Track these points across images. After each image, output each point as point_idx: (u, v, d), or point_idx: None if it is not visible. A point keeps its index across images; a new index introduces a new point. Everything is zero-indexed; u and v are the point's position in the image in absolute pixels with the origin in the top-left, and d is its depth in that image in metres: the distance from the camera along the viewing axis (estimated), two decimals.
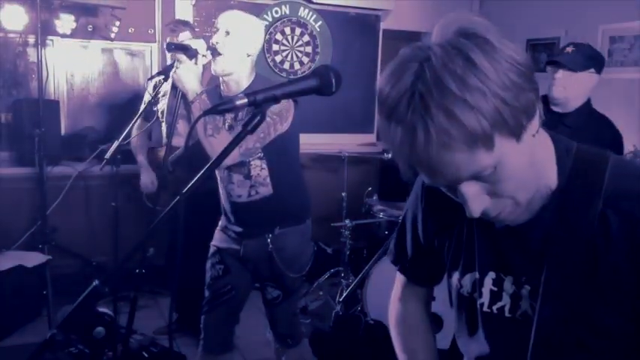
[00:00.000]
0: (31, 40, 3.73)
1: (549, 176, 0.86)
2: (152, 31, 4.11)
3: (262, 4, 4.37)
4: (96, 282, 0.98)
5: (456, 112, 0.70)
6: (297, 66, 4.54)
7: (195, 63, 1.95)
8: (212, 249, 2.32)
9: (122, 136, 2.51)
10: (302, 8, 4.47)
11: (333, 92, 1.03)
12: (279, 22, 4.43)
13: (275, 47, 4.45)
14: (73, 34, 3.80)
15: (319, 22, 4.54)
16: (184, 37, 3.05)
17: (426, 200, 1.05)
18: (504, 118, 0.72)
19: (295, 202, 2.26)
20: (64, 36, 3.78)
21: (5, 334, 3.21)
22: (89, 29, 3.88)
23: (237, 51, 2.04)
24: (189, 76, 1.93)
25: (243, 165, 2.11)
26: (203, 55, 1.97)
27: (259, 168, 2.12)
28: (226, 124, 2.10)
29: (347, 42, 4.70)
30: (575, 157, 0.87)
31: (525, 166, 0.79)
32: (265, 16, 4.39)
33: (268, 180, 2.14)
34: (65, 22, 3.67)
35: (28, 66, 3.82)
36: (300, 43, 4.52)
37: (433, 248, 1.07)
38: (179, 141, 2.49)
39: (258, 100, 0.97)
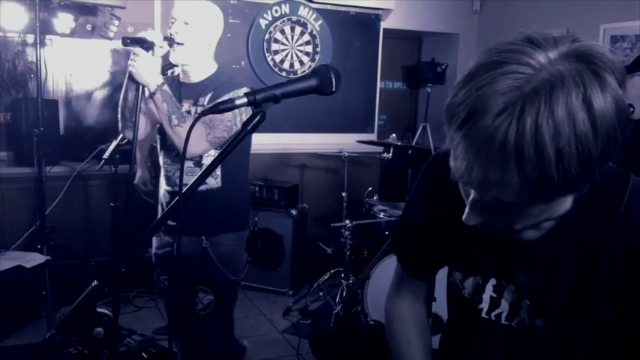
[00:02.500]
0: (30, 39, 3.72)
1: (567, 202, 0.82)
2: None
3: (262, 4, 4.36)
4: (95, 282, 0.97)
5: (545, 151, 0.63)
6: (297, 66, 4.53)
7: (153, 54, 1.91)
8: (153, 257, 2.26)
9: (120, 136, 2.50)
10: (302, 7, 4.46)
11: (333, 92, 1.02)
12: (279, 22, 4.42)
13: (275, 47, 4.44)
14: (73, 34, 3.79)
15: (319, 22, 4.53)
16: None
17: (433, 192, 1.03)
18: (579, 184, 0.68)
19: (239, 204, 2.21)
20: (63, 35, 3.77)
21: (5, 334, 3.20)
22: (88, 29, 3.87)
23: (197, 41, 2.02)
24: (148, 68, 1.89)
25: None
26: (160, 47, 1.94)
27: (212, 157, 2.06)
28: (191, 112, 2.06)
29: (347, 42, 4.69)
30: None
31: (540, 212, 0.77)
32: (265, 15, 4.38)
33: (219, 172, 2.08)
34: (64, 21, 3.66)
35: (27, 65, 3.80)
36: (300, 42, 4.51)
37: (434, 241, 1.05)
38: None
39: (258, 100, 0.95)
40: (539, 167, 0.64)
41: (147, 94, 1.92)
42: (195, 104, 2.08)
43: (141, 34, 1.93)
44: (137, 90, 1.94)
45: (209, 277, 2.14)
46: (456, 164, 0.72)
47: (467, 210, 0.78)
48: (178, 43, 1.98)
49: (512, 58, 0.67)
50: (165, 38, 1.97)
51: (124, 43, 1.92)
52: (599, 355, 0.87)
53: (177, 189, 2.10)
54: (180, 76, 2.13)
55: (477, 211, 0.77)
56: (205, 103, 2.04)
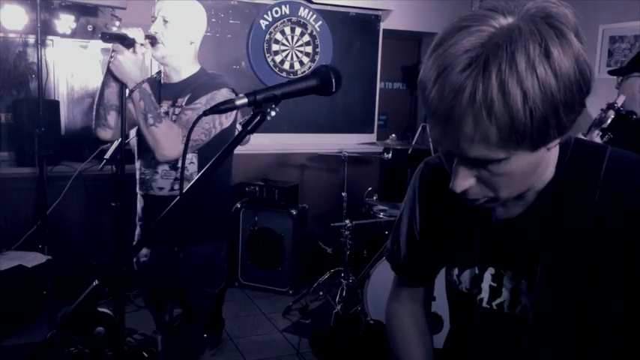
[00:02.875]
0: (31, 40, 3.73)
1: (548, 172, 0.86)
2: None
3: (262, 4, 4.37)
4: (96, 282, 0.98)
5: (511, 96, 0.68)
6: (297, 66, 4.54)
7: (134, 52, 1.86)
8: (135, 267, 2.17)
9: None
10: (302, 8, 4.47)
11: (334, 92, 1.02)
12: (279, 22, 4.43)
13: (275, 47, 4.45)
14: (73, 34, 3.80)
15: (319, 22, 4.54)
16: None
17: (424, 196, 1.05)
18: (547, 128, 0.71)
19: (217, 212, 2.08)
20: (64, 36, 3.78)
21: (5, 334, 3.21)
22: (89, 29, 3.87)
23: (178, 39, 1.98)
24: (128, 65, 1.84)
25: None
26: (141, 44, 1.89)
27: (188, 161, 1.98)
28: (169, 113, 2.00)
29: (347, 42, 4.70)
30: (573, 147, 0.87)
31: (525, 172, 0.79)
32: (265, 16, 4.39)
33: (195, 176, 1.96)
34: (65, 22, 3.67)
35: (28, 66, 3.82)
36: (300, 43, 4.52)
37: (429, 245, 1.06)
38: (109, 134, 2.12)
39: (258, 100, 0.96)
40: (509, 112, 0.69)
41: (127, 92, 1.88)
42: (173, 105, 2.02)
43: (122, 31, 1.88)
44: (121, 89, 1.89)
45: (180, 288, 2.01)
46: (431, 127, 0.77)
47: (452, 178, 0.81)
48: (159, 43, 1.94)
49: (475, 22, 0.72)
50: (148, 36, 1.92)
51: (104, 39, 1.86)
52: (595, 332, 0.86)
53: (151, 192, 2.02)
54: (162, 76, 2.08)
55: (462, 176, 0.80)
56: (183, 104, 1.99)
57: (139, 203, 2.12)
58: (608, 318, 0.85)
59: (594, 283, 0.83)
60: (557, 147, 0.87)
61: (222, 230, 2.14)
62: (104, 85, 1.98)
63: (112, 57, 1.87)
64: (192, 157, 1.99)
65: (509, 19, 0.72)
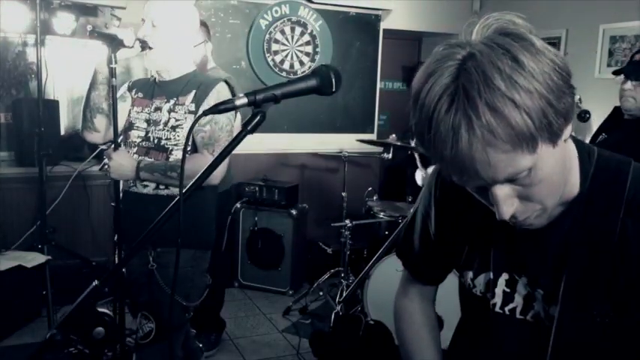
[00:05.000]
0: (31, 39, 3.73)
1: (572, 182, 0.87)
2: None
3: (262, 4, 4.37)
4: (96, 282, 0.97)
5: (503, 110, 0.69)
6: (297, 66, 4.53)
7: (131, 46, 1.85)
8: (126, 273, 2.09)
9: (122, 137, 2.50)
10: (302, 8, 4.47)
11: (334, 92, 1.02)
12: (279, 22, 4.43)
13: (275, 47, 4.45)
14: (73, 34, 3.79)
15: (319, 22, 4.54)
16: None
17: (440, 197, 1.04)
18: (549, 120, 0.72)
19: (200, 217, 1.99)
20: (63, 36, 3.77)
21: (5, 334, 3.21)
22: (89, 29, 3.87)
23: (168, 42, 1.93)
24: (122, 167, 1.86)
25: (164, 150, 1.93)
26: (130, 47, 1.85)
27: (179, 156, 1.93)
28: (162, 109, 1.98)
29: (347, 42, 4.70)
30: (597, 163, 0.87)
31: (557, 171, 0.80)
32: (265, 15, 4.39)
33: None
34: (65, 21, 3.66)
35: (27, 66, 3.81)
36: (300, 42, 4.52)
37: (443, 246, 1.06)
38: (96, 137, 2.15)
39: (258, 100, 0.96)
40: (509, 124, 0.70)
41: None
42: (168, 101, 1.98)
43: (112, 31, 1.85)
44: (109, 92, 1.87)
45: (152, 301, 1.92)
46: (447, 171, 0.77)
47: (496, 208, 0.80)
48: (149, 47, 1.91)
49: (440, 64, 0.74)
50: (140, 40, 1.90)
51: (92, 36, 1.84)
52: (617, 346, 0.87)
53: (133, 189, 1.99)
54: (156, 75, 2.06)
55: (504, 201, 0.79)
56: (187, 103, 1.94)
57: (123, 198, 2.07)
58: (630, 333, 0.86)
59: (616, 299, 0.84)
60: (576, 153, 0.87)
61: (202, 238, 2.02)
62: (91, 87, 1.96)
63: (104, 164, 1.93)
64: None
65: (468, 49, 0.74)
